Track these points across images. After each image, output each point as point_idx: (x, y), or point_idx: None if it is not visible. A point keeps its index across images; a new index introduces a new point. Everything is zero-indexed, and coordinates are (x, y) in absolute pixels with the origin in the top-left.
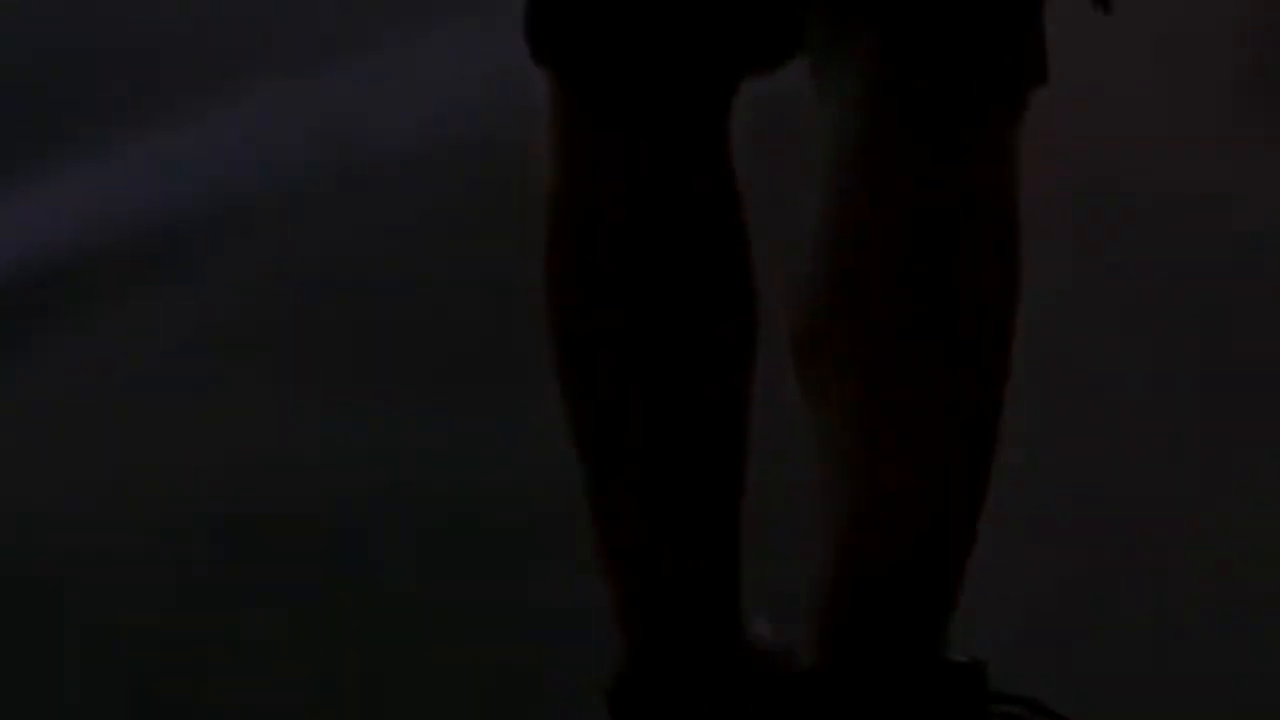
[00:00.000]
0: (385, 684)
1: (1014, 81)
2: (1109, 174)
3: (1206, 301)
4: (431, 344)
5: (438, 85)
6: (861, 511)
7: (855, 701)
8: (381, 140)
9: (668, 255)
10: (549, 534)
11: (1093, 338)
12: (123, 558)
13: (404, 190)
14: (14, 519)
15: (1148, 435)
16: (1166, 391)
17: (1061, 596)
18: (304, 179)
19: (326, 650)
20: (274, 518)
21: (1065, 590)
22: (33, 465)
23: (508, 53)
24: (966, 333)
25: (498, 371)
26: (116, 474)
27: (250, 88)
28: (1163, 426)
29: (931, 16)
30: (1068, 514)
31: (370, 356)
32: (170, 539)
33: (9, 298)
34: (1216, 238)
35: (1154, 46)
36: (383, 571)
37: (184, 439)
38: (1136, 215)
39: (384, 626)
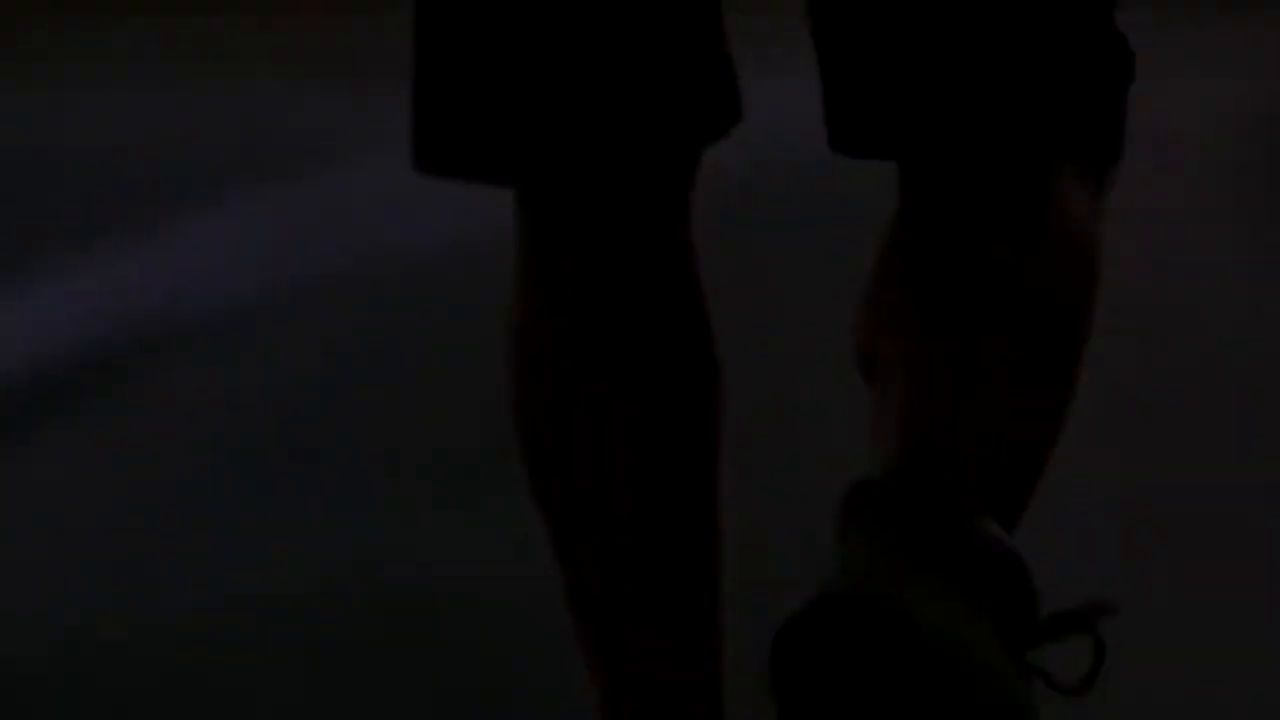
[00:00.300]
0: None
1: (1089, 148)
2: (1110, 272)
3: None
4: (415, 440)
5: (423, 194)
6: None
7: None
8: (365, 246)
9: (630, 349)
10: (534, 619)
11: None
12: (119, 649)
13: (390, 295)
14: (11, 616)
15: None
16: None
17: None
18: (292, 284)
19: None
20: (266, 606)
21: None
22: (30, 561)
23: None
24: (1039, 317)
25: (478, 466)
26: (113, 564)
27: (238, 194)
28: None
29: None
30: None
31: (361, 452)
32: (167, 632)
33: (7, 400)
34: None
35: (1155, 144)
36: (369, 656)
37: (179, 535)
38: (1135, 313)
39: (379, 712)
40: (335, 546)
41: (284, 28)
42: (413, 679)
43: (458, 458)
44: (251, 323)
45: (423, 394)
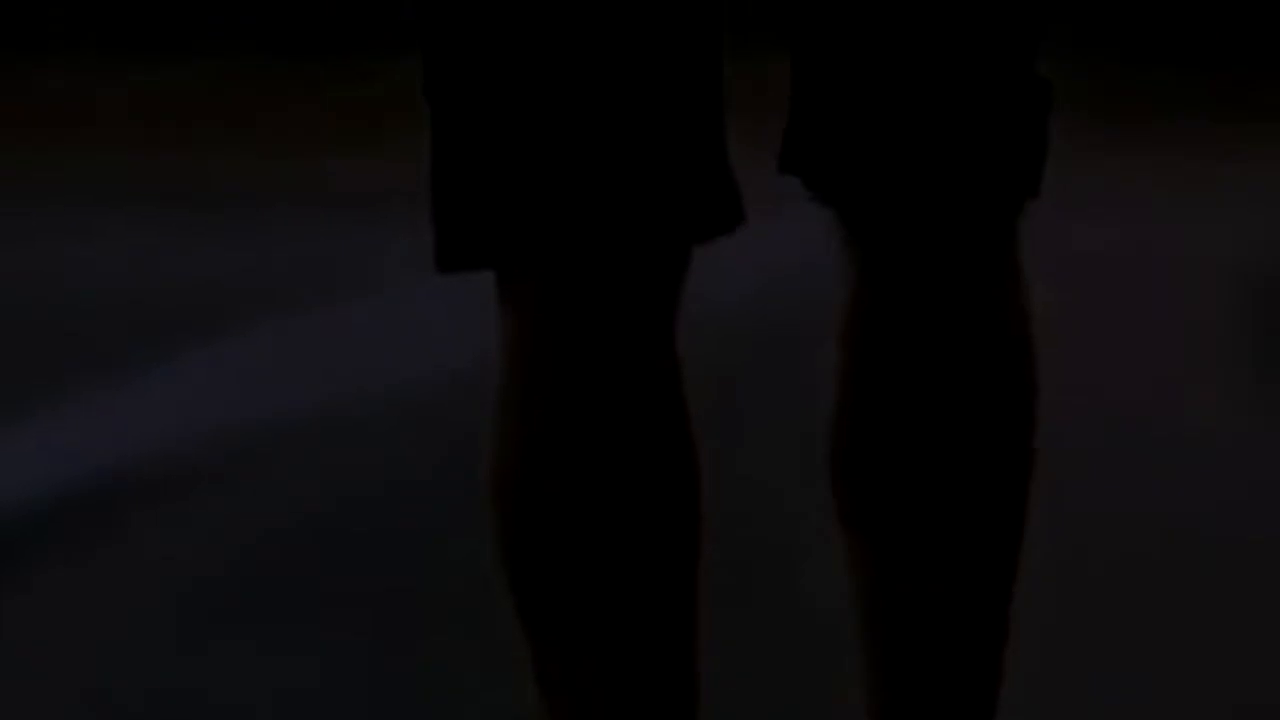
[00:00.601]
0: None
1: (1008, 204)
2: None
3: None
4: (415, 582)
5: (418, 327)
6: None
7: None
8: (362, 381)
9: (612, 448)
10: None
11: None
12: None
13: (386, 431)
14: None
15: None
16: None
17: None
18: (288, 421)
19: None
20: None
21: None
22: (20, 705)
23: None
24: (987, 451)
25: (470, 618)
26: (104, 706)
27: (248, 330)
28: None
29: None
30: None
31: (361, 594)
32: None
33: None
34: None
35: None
36: None
37: (175, 679)
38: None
39: None
40: (341, 694)
41: (275, 158)
42: None
43: (458, 601)
44: (248, 461)
45: (422, 533)
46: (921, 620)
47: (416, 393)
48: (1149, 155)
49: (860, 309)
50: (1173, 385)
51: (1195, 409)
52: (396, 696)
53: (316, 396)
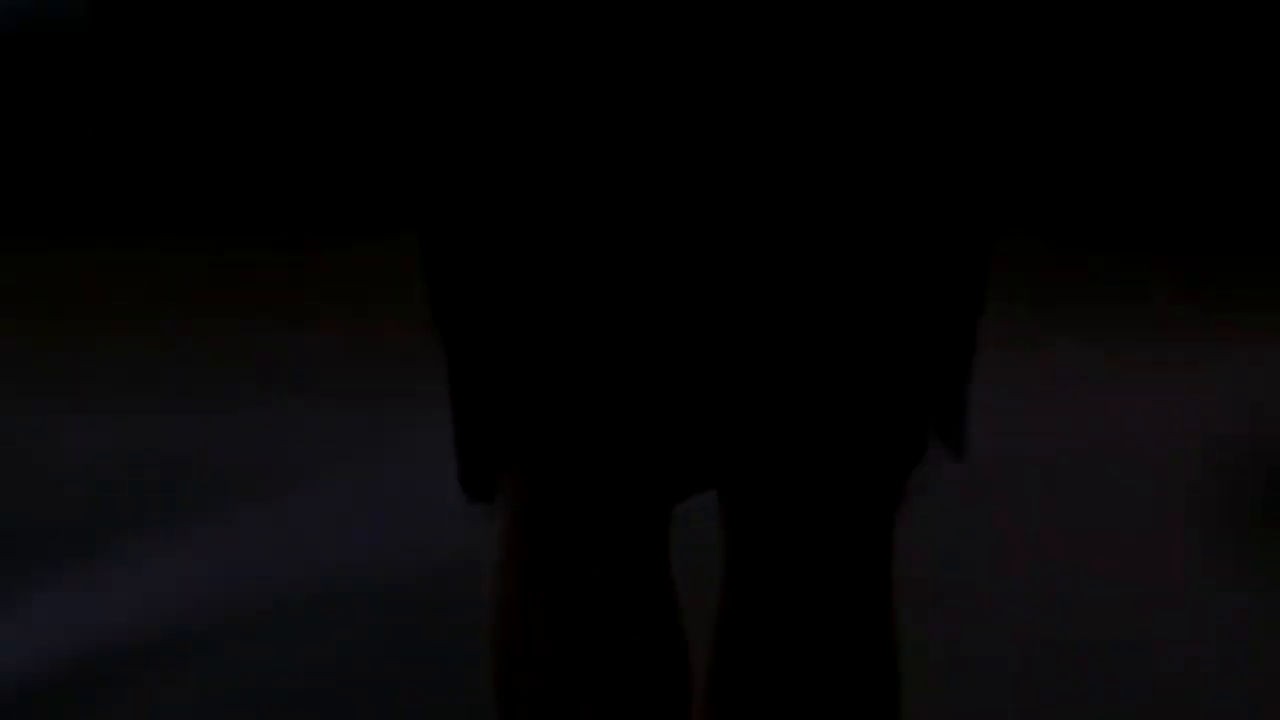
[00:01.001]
0: None
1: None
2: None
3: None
4: None
5: (403, 511)
6: None
7: None
8: (347, 567)
9: (608, 664)
10: None
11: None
12: None
13: (369, 616)
14: None
15: None
16: None
17: None
18: (271, 604)
19: None
20: None
21: None
22: None
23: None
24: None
25: None
26: None
27: (223, 513)
28: None
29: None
30: None
31: None
32: None
33: None
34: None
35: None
36: None
37: None
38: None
39: None
40: None
41: (252, 338)
42: None
43: None
44: (206, 649)
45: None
46: None
47: (389, 572)
48: (1122, 339)
49: (726, 602)
50: (1155, 564)
51: (1186, 589)
52: None
53: (298, 574)
